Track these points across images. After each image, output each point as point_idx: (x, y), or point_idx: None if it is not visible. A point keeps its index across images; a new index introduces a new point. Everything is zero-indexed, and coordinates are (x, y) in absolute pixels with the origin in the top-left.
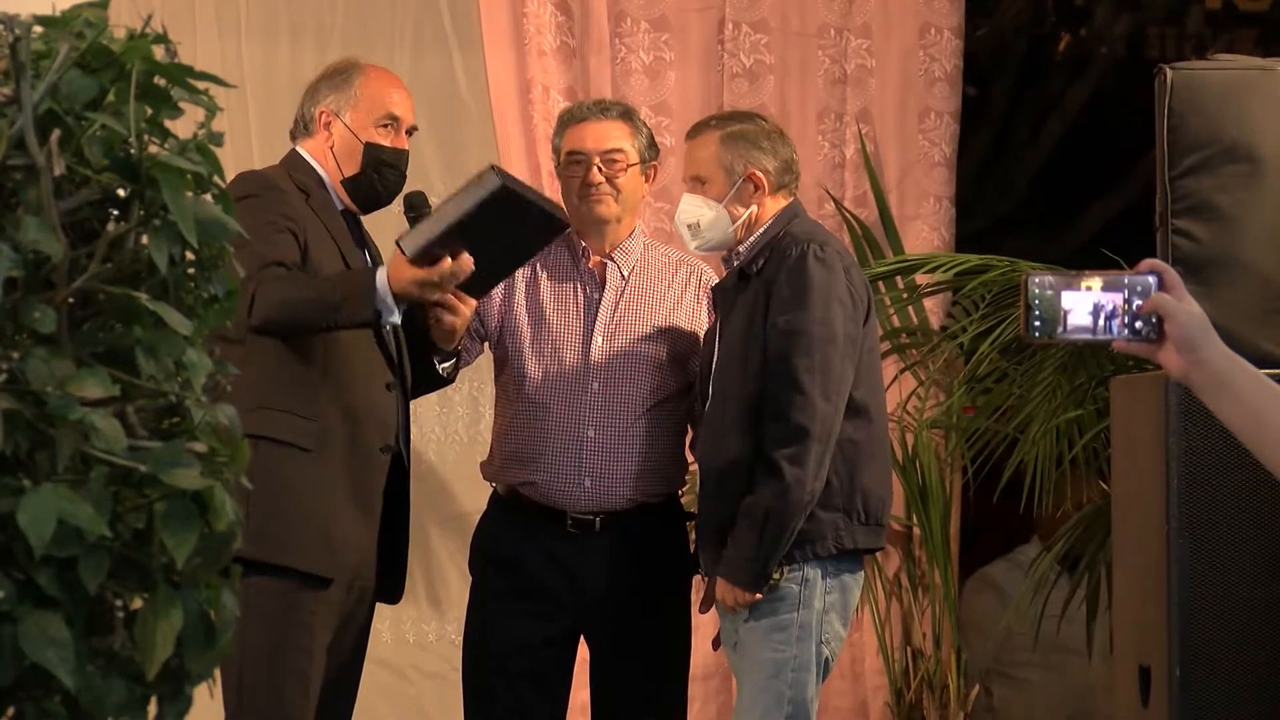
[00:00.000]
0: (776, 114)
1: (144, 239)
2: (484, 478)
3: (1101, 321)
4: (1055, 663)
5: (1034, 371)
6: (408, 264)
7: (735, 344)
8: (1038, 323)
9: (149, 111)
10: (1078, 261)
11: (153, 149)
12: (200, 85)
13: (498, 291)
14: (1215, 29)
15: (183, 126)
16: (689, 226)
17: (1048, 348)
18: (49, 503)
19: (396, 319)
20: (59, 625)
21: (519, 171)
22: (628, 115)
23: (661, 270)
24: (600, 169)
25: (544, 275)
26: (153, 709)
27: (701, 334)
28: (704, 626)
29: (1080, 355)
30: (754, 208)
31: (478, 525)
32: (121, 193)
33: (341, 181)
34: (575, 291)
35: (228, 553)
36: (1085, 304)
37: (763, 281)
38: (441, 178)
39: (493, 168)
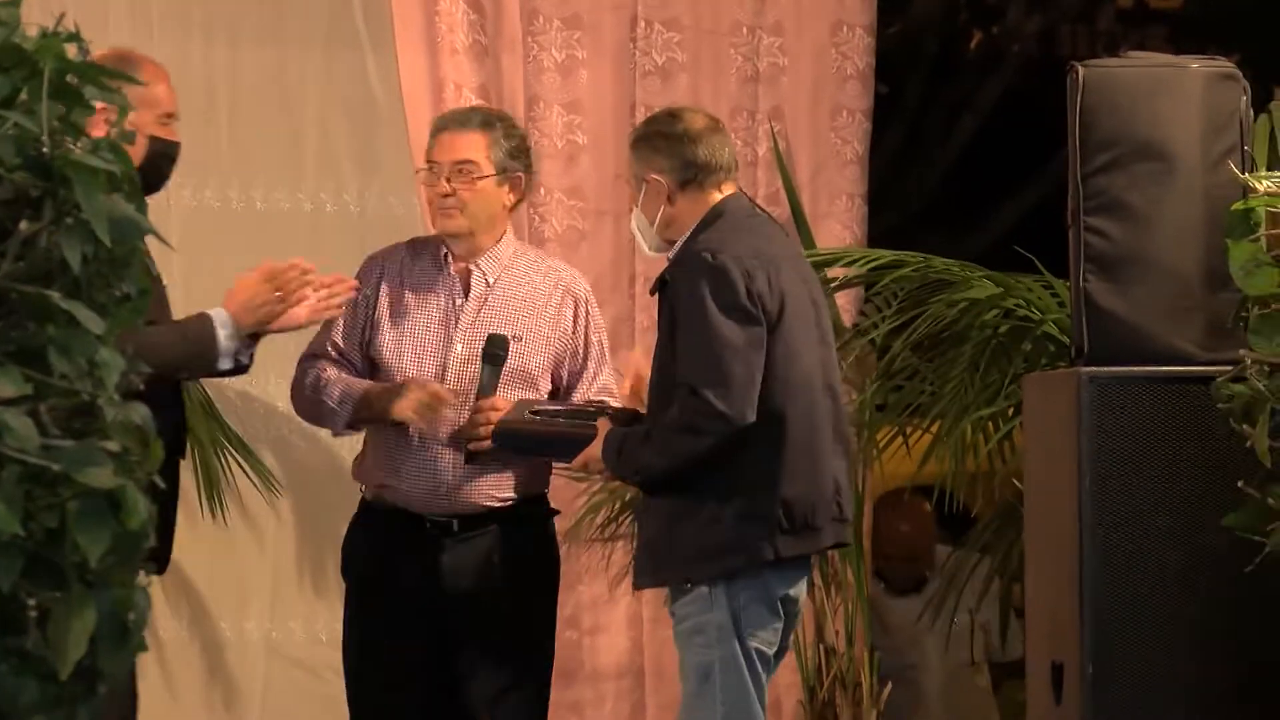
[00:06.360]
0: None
1: (57, 238)
2: (353, 478)
3: None
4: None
5: (946, 369)
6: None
7: (656, 358)
8: None
9: (62, 110)
10: (990, 259)
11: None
12: (113, 84)
13: (364, 299)
14: (1127, 27)
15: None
16: (638, 230)
17: (961, 344)
18: None
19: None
20: None
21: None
22: (489, 124)
23: (529, 278)
24: (448, 180)
25: (408, 281)
26: None
27: (565, 344)
28: (613, 626)
29: (993, 353)
30: (663, 209)
31: (347, 532)
32: (34, 191)
33: None
34: (438, 298)
35: (140, 552)
36: None
37: (671, 292)
38: (355, 176)
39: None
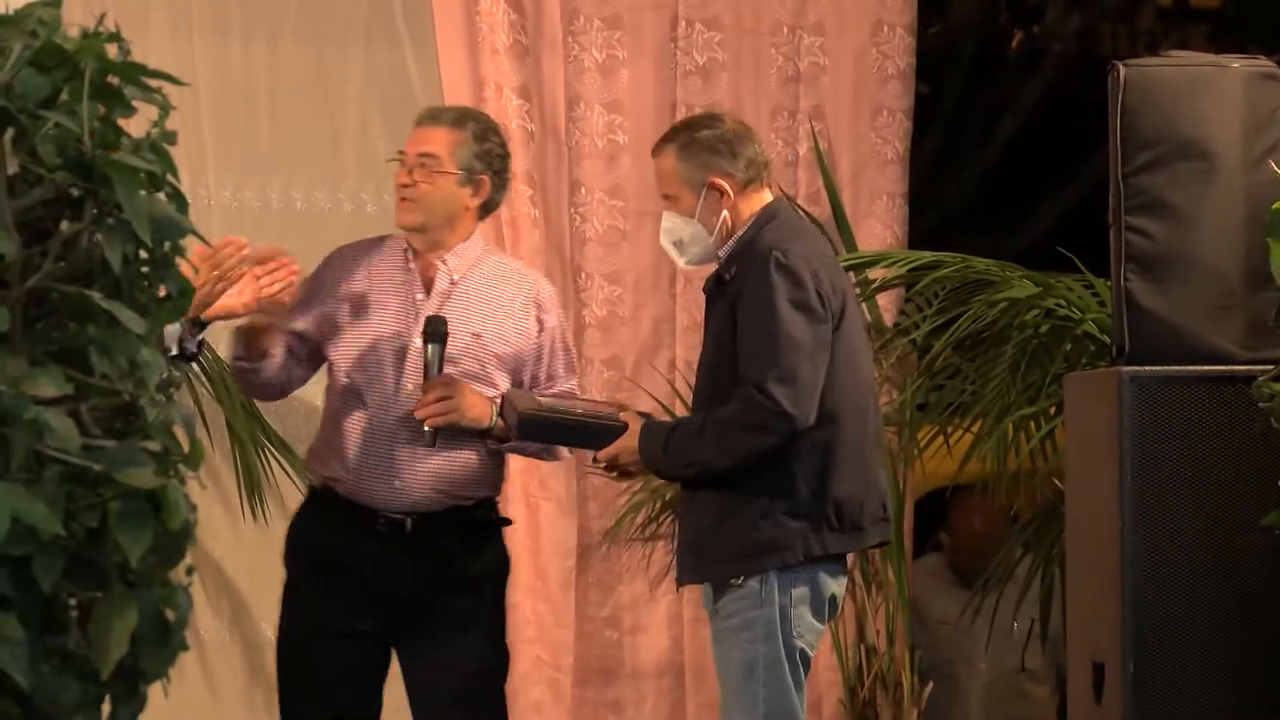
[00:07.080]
0: (730, 112)
1: (98, 238)
2: (303, 465)
3: None
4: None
5: (987, 368)
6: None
7: (708, 355)
8: None
9: (102, 110)
10: (1030, 258)
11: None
12: (153, 84)
13: (326, 288)
14: (1167, 26)
15: (135, 125)
16: (675, 244)
17: (1001, 344)
18: (2, 501)
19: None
20: (13, 624)
21: None
22: (460, 123)
23: (494, 279)
24: (410, 172)
25: (370, 274)
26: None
27: (528, 346)
28: (654, 625)
29: (1034, 353)
30: (725, 213)
31: (293, 520)
32: (75, 191)
33: None
34: (397, 293)
35: (182, 552)
36: None
37: (733, 290)
38: (393, 176)
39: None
